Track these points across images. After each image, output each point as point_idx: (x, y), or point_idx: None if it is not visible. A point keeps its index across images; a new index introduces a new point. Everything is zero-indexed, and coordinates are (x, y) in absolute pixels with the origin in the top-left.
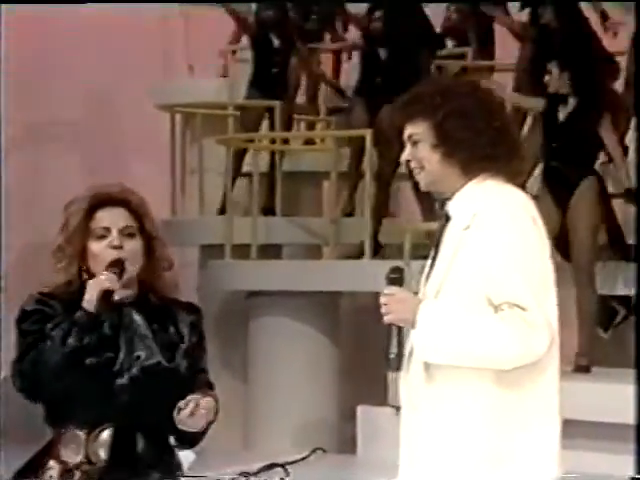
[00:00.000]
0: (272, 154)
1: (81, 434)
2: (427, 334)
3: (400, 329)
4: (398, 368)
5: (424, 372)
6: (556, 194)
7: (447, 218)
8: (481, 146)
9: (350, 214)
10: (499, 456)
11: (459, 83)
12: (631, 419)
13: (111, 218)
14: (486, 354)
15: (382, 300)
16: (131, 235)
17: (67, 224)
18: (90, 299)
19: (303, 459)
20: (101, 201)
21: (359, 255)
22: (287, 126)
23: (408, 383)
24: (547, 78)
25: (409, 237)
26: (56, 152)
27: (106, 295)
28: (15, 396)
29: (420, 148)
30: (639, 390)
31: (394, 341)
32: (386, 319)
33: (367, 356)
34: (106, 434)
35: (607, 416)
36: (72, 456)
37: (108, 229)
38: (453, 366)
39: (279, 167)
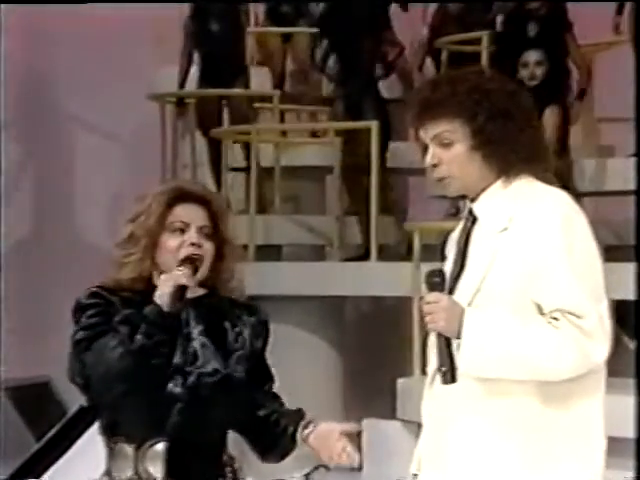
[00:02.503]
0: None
1: (129, 448)
2: (475, 345)
3: (448, 339)
4: (453, 380)
5: (461, 388)
6: None
7: (473, 220)
8: (524, 146)
9: (355, 212)
10: (541, 475)
11: (489, 77)
12: (631, 433)
13: (191, 214)
14: (539, 366)
15: (426, 308)
16: (207, 236)
17: (144, 215)
18: (163, 294)
19: (305, 477)
20: (182, 196)
21: (362, 257)
22: (246, 118)
23: (438, 399)
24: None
25: (418, 237)
26: (43, 142)
27: (180, 291)
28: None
29: (454, 150)
30: (639, 401)
31: (445, 352)
32: (431, 328)
33: (374, 366)
34: (159, 449)
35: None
36: (121, 472)
37: (187, 225)
38: (492, 380)
39: (277, 161)
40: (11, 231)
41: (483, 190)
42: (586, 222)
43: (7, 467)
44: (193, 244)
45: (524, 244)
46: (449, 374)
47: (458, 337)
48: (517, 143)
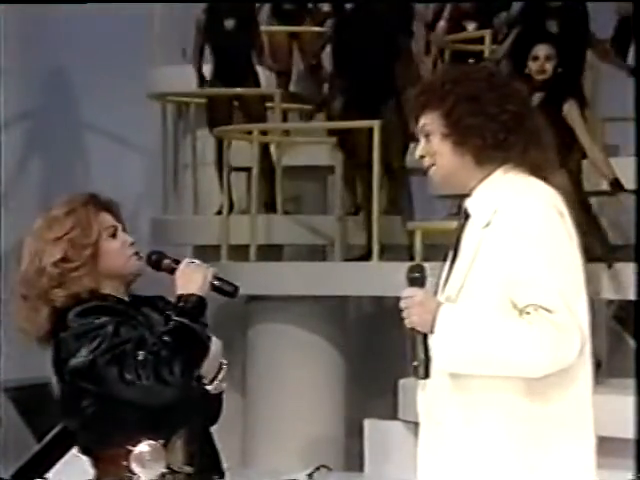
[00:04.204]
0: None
1: (158, 445)
2: (447, 340)
3: (425, 334)
4: (426, 376)
5: (446, 382)
6: None
7: (466, 216)
8: (493, 132)
9: (355, 212)
10: (529, 473)
11: (474, 69)
12: (630, 433)
13: (111, 219)
14: (511, 362)
15: (401, 303)
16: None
17: (78, 227)
18: (204, 285)
19: (307, 477)
20: (98, 204)
21: (365, 257)
22: (264, 117)
23: (428, 395)
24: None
25: (419, 237)
26: (45, 143)
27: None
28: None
29: (432, 140)
30: (639, 402)
31: (420, 347)
32: (407, 323)
33: (376, 366)
34: (181, 440)
35: (604, 430)
36: (150, 470)
37: (116, 228)
38: (478, 375)
39: (279, 161)
40: (12, 231)
41: (476, 186)
42: (567, 217)
43: (8, 468)
44: (132, 243)
45: (501, 239)
46: (422, 369)
47: (432, 332)
48: (486, 129)
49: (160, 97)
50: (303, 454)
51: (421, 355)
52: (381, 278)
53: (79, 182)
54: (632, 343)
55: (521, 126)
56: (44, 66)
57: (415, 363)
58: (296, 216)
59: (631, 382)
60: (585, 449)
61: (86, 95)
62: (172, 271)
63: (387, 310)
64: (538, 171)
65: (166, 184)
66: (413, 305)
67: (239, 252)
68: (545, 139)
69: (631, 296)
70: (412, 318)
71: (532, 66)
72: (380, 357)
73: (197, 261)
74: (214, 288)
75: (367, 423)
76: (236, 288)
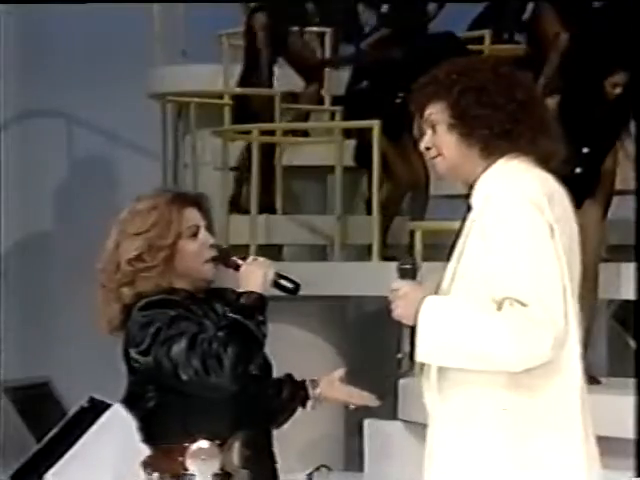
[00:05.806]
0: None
1: (214, 445)
2: (426, 333)
3: (413, 327)
4: (411, 368)
5: (436, 377)
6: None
7: (469, 209)
8: (500, 122)
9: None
10: (517, 466)
11: (480, 60)
12: (630, 433)
13: (197, 217)
14: (486, 355)
15: (390, 296)
16: (210, 233)
17: (158, 226)
18: (264, 282)
19: (307, 477)
20: (185, 201)
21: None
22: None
23: (426, 390)
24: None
25: (419, 236)
26: (46, 142)
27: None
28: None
29: (438, 132)
30: (639, 402)
31: (406, 340)
32: (393, 316)
33: (375, 365)
34: (238, 441)
35: (604, 430)
36: (203, 468)
37: (198, 227)
38: (463, 369)
39: (279, 161)
40: (12, 231)
41: (479, 178)
42: (556, 210)
43: (7, 468)
44: (212, 246)
45: (482, 232)
46: (405, 362)
47: (415, 324)
48: (493, 119)
49: (160, 97)
50: (303, 454)
51: (406, 348)
52: (381, 278)
53: (79, 182)
54: (632, 343)
55: (529, 115)
56: (44, 66)
57: (399, 355)
58: (296, 216)
59: (631, 382)
60: (570, 442)
61: (86, 95)
62: (237, 267)
63: (387, 310)
64: (545, 161)
65: (166, 184)
66: (398, 298)
67: (239, 252)
68: (553, 129)
69: (631, 296)
70: (397, 310)
71: (610, 91)
72: (379, 357)
73: (261, 258)
74: (275, 285)
75: (367, 423)
76: (297, 285)
